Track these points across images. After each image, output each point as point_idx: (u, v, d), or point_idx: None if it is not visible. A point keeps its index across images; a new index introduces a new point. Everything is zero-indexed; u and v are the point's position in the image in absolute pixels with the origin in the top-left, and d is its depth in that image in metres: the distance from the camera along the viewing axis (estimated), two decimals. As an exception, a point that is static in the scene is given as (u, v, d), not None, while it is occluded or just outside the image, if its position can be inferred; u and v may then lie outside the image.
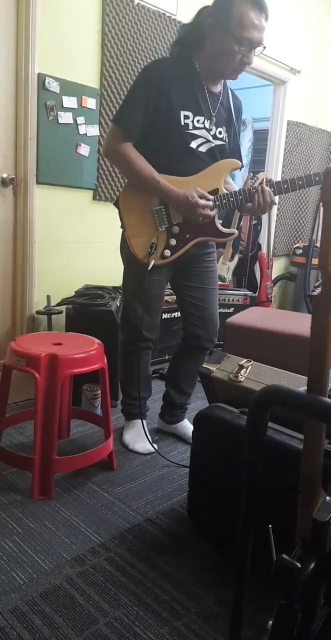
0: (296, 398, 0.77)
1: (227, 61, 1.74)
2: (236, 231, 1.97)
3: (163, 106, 1.76)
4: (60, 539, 1.52)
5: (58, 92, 2.53)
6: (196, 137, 1.82)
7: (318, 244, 4.48)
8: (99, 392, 2.29)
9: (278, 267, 4.50)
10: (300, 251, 4.43)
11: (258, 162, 5.54)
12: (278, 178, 4.20)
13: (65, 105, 2.57)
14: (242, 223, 4.12)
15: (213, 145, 1.86)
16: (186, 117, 1.79)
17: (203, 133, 1.83)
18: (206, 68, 1.80)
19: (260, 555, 0.95)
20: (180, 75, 1.78)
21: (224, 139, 1.90)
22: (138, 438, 2.10)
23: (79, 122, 2.63)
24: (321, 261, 0.76)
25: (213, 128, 1.85)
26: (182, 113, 1.78)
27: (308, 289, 4.36)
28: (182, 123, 1.78)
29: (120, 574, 1.39)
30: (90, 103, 2.66)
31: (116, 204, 1.92)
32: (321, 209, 0.77)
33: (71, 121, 2.61)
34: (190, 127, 1.80)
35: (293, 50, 3.99)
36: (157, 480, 1.89)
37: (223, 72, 1.80)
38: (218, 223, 1.90)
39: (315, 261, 4.35)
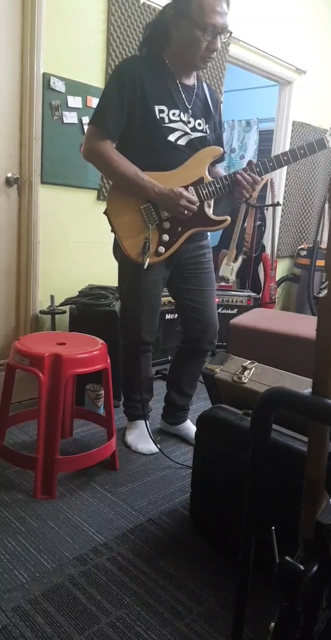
0: (301, 400, 0.77)
1: (193, 50, 1.75)
2: (228, 218, 1.92)
3: (138, 102, 1.76)
4: (63, 539, 1.52)
5: (63, 91, 2.53)
6: (173, 130, 1.81)
7: (322, 246, 4.47)
8: (102, 392, 2.29)
9: (282, 268, 4.49)
10: (304, 252, 4.42)
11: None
12: (283, 179, 4.22)
13: (70, 104, 2.57)
14: (246, 224, 4.12)
15: (192, 137, 1.85)
16: (161, 111, 1.79)
17: (180, 126, 1.83)
18: (175, 62, 1.81)
19: (262, 556, 0.95)
20: (151, 71, 1.79)
21: (204, 130, 1.89)
22: (141, 439, 2.10)
23: (84, 121, 2.63)
24: (327, 262, 0.76)
25: (192, 120, 1.85)
26: (157, 108, 1.78)
27: (312, 291, 4.35)
28: (158, 117, 1.78)
29: (122, 573, 1.40)
30: (95, 103, 2.63)
31: (106, 213, 1.91)
32: (327, 210, 0.76)
33: (76, 121, 2.61)
34: (166, 120, 1.80)
35: (298, 50, 3.98)
36: (159, 480, 1.89)
37: (192, 63, 1.80)
38: (209, 211, 1.88)
39: (319, 262, 4.34)
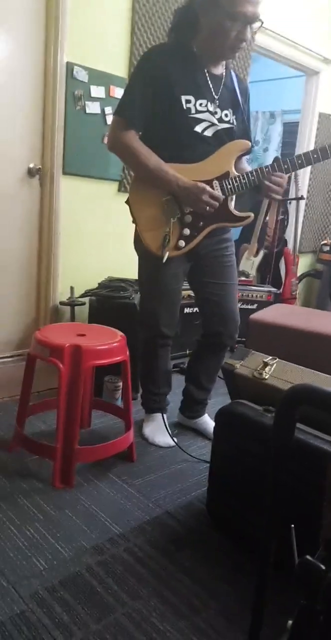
0: (329, 398, 0.75)
1: (222, 40, 1.69)
2: (251, 214, 1.89)
3: (164, 92, 1.73)
4: (80, 528, 1.53)
5: (86, 81, 2.52)
6: (200, 121, 1.78)
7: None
8: (120, 384, 2.30)
9: (303, 263, 4.42)
10: (327, 248, 4.35)
11: (285, 156, 5.42)
12: (308, 172, 4.13)
13: (92, 94, 2.56)
14: (268, 218, 4.06)
15: (219, 128, 1.81)
16: (188, 101, 1.75)
17: (207, 116, 1.79)
18: (203, 50, 1.77)
19: (281, 553, 0.93)
20: (178, 60, 1.75)
21: (231, 121, 1.85)
22: (158, 431, 2.10)
23: (106, 112, 2.62)
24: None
25: (218, 111, 1.81)
26: (183, 98, 1.74)
27: (334, 287, 4.27)
28: (184, 107, 1.74)
29: (139, 565, 1.40)
30: (118, 93, 2.64)
31: (128, 202, 1.90)
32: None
33: (98, 111, 2.60)
34: (193, 111, 1.76)
35: (326, 39, 3.88)
36: (176, 473, 1.88)
37: (220, 52, 1.76)
38: (232, 207, 1.86)
39: (342, 258, 4.26)
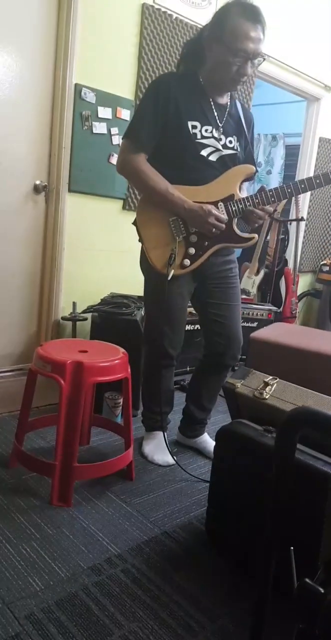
0: (330, 421, 0.76)
1: (223, 73, 1.77)
2: (256, 236, 1.93)
3: (172, 117, 1.79)
4: (78, 547, 1.51)
5: (94, 102, 2.57)
6: (205, 146, 1.83)
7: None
8: (120, 400, 2.29)
9: (303, 283, 4.45)
10: (327, 268, 4.38)
11: (288, 177, 5.50)
12: (308, 194, 4.19)
13: (100, 115, 2.61)
14: (269, 237, 4.10)
15: (223, 154, 1.87)
16: (194, 127, 1.81)
17: (212, 142, 1.84)
18: (208, 81, 1.84)
19: (279, 574, 0.92)
20: (185, 88, 1.82)
21: (235, 147, 1.90)
22: (157, 450, 2.09)
23: (112, 132, 2.67)
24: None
25: (223, 137, 1.86)
26: (190, 123, 1.80)
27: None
28: (191, 132, 1.80)
29: (136, 586, 1.38)
30: (125, 114, 2.70)
31: (135, 223, 1.93)
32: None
33: (105, 131, 2.65)
34: (199, 136, 1.82)
35: (327, 66, 3.97)
36: (175, 493, 1.87)
37: (222, 84, 1.83)
38: (236, 228, 1.89)
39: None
